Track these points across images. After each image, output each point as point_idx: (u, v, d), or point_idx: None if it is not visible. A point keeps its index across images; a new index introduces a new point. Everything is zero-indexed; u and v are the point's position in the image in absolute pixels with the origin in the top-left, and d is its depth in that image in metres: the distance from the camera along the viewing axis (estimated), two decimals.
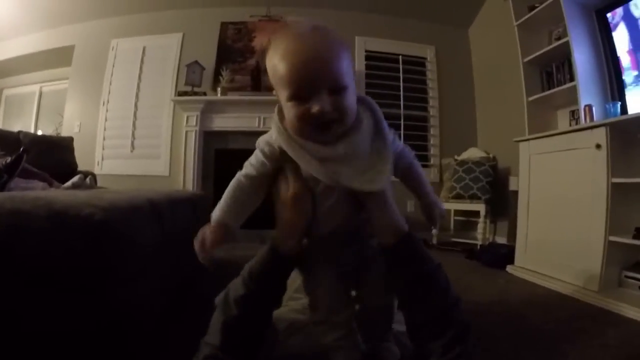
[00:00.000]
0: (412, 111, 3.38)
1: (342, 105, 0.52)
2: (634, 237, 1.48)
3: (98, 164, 3.33)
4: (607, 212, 1.56)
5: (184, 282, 1.25)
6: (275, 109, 0.58)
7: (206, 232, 0.56)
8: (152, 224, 0.93)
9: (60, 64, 3.79)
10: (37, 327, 0.62)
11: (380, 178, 0.56)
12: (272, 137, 0.57)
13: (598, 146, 1.63)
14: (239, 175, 0.59)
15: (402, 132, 3.34)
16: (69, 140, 2.77)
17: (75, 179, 1.63)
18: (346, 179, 0.54)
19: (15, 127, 4.24)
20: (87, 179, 1.68)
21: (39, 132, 4.24)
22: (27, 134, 2.44)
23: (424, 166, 3.35)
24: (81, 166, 2.83)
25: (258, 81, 3.11)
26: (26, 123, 4.35)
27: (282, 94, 0.53)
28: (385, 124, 0.60)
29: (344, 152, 0.54)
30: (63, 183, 1.65)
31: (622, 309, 1.39)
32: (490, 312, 1.39)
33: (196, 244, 0.56)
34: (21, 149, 1.43)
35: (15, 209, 0.63)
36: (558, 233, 1.85)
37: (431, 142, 3.39)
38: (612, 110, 1.80)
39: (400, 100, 3.35)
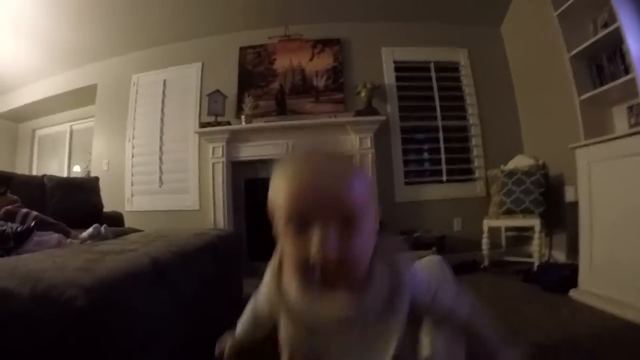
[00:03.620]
0: (451, 121, 3.14)
1: (348, 246, 0.40)
2: None
3: (128, 201, 3.31)
4: None
5: (207, 347, 1.13)
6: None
7: (225, 346, 0.58)
8: (156, 291, 0.84)
9: (87, 102, 3.87)
10: None
11: None
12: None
13: None
14: (254, 304, 0.60)
15: (441, 145, 3.12)
16: (94, 181, 2.75)
17: (91, 229, 1.60)
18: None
19: (50, 167, 4.44)
20: (103, 228, 1.66)
21: (76, 169, 4.34)
22: (51, 178, 2.45)
23: (468, 180, 3.11)
24: (112, 204, 2.80)
25: (283, 105, 2.98)
26: (60, 162, 4.48)
27: (279, 225, 0.44)
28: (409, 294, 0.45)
29: (343, 315, 0.43)
30: (88, 225, 1.62)
31: None
32: (557, 358, 1.19)
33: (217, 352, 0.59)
34: (33, 223, 1.40)
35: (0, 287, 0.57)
36: (630, 251, 1.58)
37: (474, 152, 3.12)
38: None
39: (436, 111, 3.13)
